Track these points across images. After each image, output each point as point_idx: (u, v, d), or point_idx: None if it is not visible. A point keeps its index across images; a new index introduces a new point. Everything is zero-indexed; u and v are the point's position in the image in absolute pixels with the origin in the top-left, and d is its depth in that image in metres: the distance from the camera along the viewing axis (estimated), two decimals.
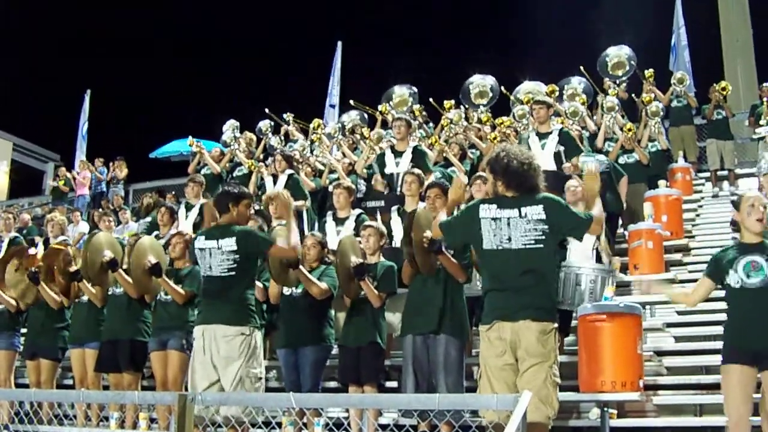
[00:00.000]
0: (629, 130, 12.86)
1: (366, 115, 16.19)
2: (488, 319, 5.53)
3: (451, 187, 6.50)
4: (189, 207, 12.09)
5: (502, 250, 5.48)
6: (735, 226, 6.41)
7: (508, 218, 5.49)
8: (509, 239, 5.47)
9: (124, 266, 8.74)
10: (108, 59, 34.29)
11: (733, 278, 5.92)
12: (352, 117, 16.38)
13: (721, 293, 6.22)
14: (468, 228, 5.64)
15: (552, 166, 9.99)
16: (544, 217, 5.45)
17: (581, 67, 15.63)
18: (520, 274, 5.43)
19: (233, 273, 6.74)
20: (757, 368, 5.79)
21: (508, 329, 5.40)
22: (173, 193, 17.43)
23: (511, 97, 15.73)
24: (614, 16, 26.31)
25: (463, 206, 6.21)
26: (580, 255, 8.17)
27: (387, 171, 10.97)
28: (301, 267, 7.54)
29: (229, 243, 6.74)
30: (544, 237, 5.45)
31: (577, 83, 15.62)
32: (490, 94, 15.67)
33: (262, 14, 38.24)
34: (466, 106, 15.62)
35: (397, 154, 11.02)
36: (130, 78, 34.26)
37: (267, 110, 16.25)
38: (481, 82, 15.74)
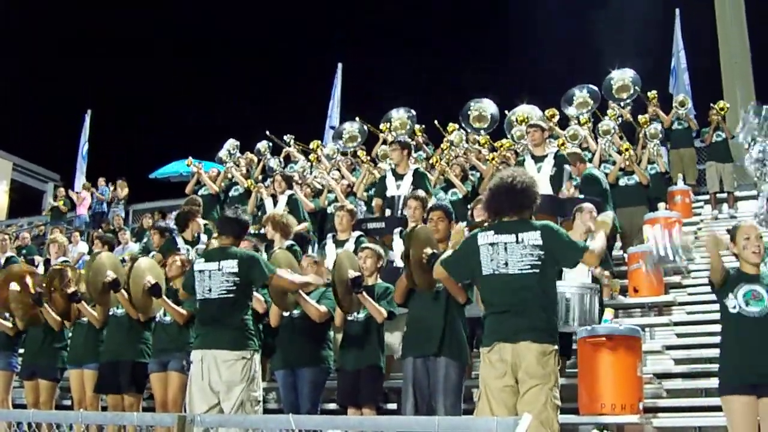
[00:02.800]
0: (626, 150, 12.86)
1: (366, 128, 16.11)
2: (488, 341, 5.55)
3: (452, 234, 6.55)
4: None
5: (499, 275, 5.52)
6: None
7: (505, 243, 5.53)
8: (506, 264, 5.51)
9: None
10: (109, 81, 34.40)
11: (731, 302, 5.89)
12: (354, 127, 16.27)
13: (717, 315, 6.20)
14: (469, 259, 5.69)
15: (548, 190, 9.98)
16: (540, 243, 5.49)
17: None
18: (518, 297, 5.46)
19: (232, 295, 6.76)
20: (756, 396, 5.74)
21: (509, 350, 5.41)
22: (173, 213, 17.41)
23: (507, 119, 15.74)
24: (614, 41, 26.43)
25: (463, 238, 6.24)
26: (574, 274, 8.18)
27: (388, 194, 10.98)
28: (300, 291, 7.53)
29: (231, 265, 6.78)
30: (540, 262, 5.48)
31: (578, 91, 15.59)
32: (489, 120, 15.62)
33: (263, 39, 38.41)
34: (467, 130, 15.58)
35: (398, 176, 11.04)
36: (130, 99, 34.37)
37: (268, 132, 16.24)
38: (480, 106, 15.72)
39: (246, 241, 7.93)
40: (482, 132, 15.42)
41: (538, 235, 5.52)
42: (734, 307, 5.88)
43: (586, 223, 8.74)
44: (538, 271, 5.48)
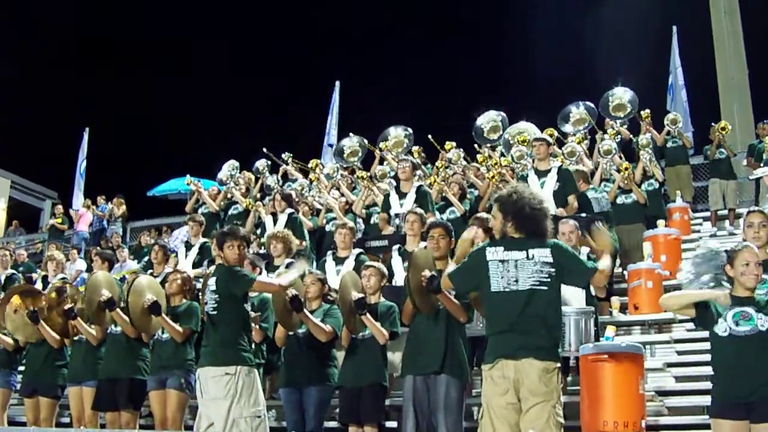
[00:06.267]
0: (626, 169, 12.86)
1: (366, 142, 16.08)
2: (491, 357, 5.51)
3: (460, 243, 6.52)
4: (189, 246, 12.10)
5: (509, 292, 5.48)
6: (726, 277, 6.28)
7: (516, 260, 5.51)
8: (516, 281, 5.48)
9: (122, 305, 8.72)
10: (107, 98, 34.45)
11: (721, 327, 5.78)
12: (353, 142, 16.23)
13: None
14: (476, 273, 5.65)
15: (552, 206, 9.95)
16: (551, 260, 5.49)
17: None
18: (524, 315, 5.43)
19: (216, 312, 6.94)
20: (749, 421, 5.64)
21: (512, 368, 5.38)
22: (173, 231, 17.41)
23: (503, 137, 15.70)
24: (611, 57, 26.51)
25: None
26: (570, 296, 8.14)
27: (392, 212, 11.07)
28: (305, 311, 7.57)
29: (212, 282, 7.01)
30: (549, 279, 5.48)
31: (575, 108, 15.58)
32: (501, 127, 15.55)
33: (262, 54, 38.51)
34: (480, 144, 15.51)
35: (402, 195, 11.13)
36: (128, 116, 34.41)
37: (265, 149, 16.22)
38: (489, 117, 15.71)
39: (246, 260, 7.88)
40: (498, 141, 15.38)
41: (548, 252, 5.52)
42: (725, 331, 5.77)
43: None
44: (546, 288, 5.47)
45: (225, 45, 38.49)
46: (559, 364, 5.49)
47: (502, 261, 5.54)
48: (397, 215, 10.91)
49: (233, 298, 7.00)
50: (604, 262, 5.83)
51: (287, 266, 9.15)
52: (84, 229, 20.50)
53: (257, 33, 39.50)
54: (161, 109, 34.53)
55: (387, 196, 11.53)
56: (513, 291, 5.48)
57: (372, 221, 12.08)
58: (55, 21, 36.29)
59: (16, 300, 9.52)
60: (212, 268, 8.79)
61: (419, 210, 9.61)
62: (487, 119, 15.59)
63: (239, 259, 7.22)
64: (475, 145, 15.35)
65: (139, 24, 37.42)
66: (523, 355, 5.37)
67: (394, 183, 11.72)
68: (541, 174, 10.58)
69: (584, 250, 8.62)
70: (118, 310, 8.58)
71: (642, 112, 15.72)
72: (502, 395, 5.40)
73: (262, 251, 10.62)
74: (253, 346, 7.40)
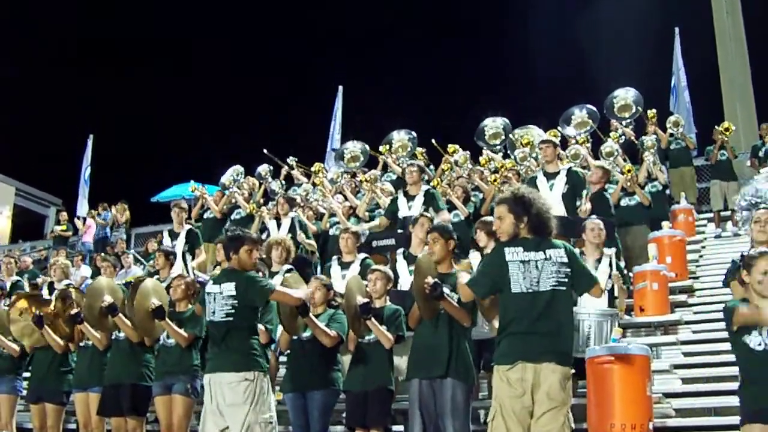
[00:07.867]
0: (629, 171, 12.84)
1: (368, 147, 16.07)
2: (509, 359, 5.47)
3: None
4: (174, 235, 12.16)
5: (532, 293, 5.48)
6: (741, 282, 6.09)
7: (536, 261, 5.51)
8: (538, 282, 5.48)
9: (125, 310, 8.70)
10: (111, 105, 34.46)
11: (756, 340, 5.59)
12: (356, 147, 16.20)
13: (724, 334, 6.09)
14: (496, 275, 5.62)
15: (561, 209, 9.93)
16: (566, 260, 5.50)
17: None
18: (545, 317, 5.44)
19: (231, 318, 6.83)
20: None
21: (531, 371, 5.38)
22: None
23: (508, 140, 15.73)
24: (612, 59, 26.50)
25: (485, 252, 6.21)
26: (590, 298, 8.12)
27: (400, 215, 11.11)
28: (311, 316, 7.55)
29: (229, 288, 6.86)
30: (566, 280, 5.51)
31: (578, 110, 15.56)
32: (503, 133, 15.65)
33: (262, 54, 38.53)
34: (483, 146, 15.56)
35: (410, 198, 11.19)
36: (132, 123, 34.43)
37: (265, 151, 16.19)
38: (493, 124, 15.77)
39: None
40: (498, 147, 15.43)
41: (563, 253, 5.54)
42: (759, 344, 5.59)
43: (593, 241, 8.74)
44: (564, 288, 5.49)
45: (225, 45, 38.58)
46: (573, 371, 5.51)
47: (524, 261, 5.53)
48: (405, 218, 10.93)
49: (252, 307, 6.98)
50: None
51: (287, 272, 9.18)
52: (89, 241, 20.50)
53: (257, 33, 39.61)
54: (161, 109, 34.60)
55: (395, 199, 11.58)
56: (535, 292, 5.48)
57: (378, 220, 12.07)
58: (55, 21, 36.40)
59: (22, 303, 9.53)
60: (216, 271, 8.80)
61: (431, 215, 9.62)
62: (494, 123, 15.64)
63: (254, 264, 7.22)
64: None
65: (139, 24, 37.52)
66: (546, 359, 5.38)
67: (389, 186, 11.78)
68: (550, 176, 10.57)
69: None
70: (120, 315, 8.56)
71: (648, 112, 15.75)
72: (518, 398, 5.39)
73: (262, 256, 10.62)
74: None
